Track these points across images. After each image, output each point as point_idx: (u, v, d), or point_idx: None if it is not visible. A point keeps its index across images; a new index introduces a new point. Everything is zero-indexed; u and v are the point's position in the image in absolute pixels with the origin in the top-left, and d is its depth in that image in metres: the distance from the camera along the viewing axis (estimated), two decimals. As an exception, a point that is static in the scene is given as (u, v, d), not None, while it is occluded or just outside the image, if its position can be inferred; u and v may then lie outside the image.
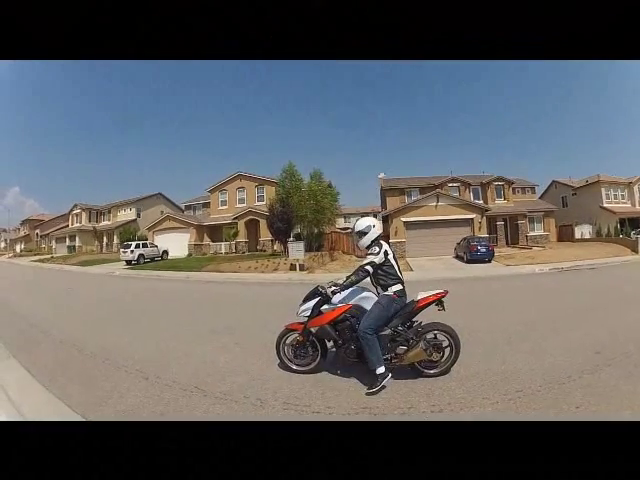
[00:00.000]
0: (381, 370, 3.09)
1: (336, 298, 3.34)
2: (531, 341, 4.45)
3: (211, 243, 27.25)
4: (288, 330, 3.63)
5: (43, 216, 48.00)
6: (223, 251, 25.94)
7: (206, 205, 30.41)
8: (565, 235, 28.54)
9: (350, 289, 3.33)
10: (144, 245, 23.88)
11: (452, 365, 3.39)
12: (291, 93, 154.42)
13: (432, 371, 3.36)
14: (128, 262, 21.94)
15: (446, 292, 3.43)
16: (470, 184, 27.18)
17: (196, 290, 11.57)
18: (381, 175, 28.84)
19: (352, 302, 3.37)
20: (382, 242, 3.40)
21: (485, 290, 9.84)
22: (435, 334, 3.38)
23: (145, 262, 22.51)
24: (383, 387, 3.08)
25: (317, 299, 3.40)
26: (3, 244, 62.86)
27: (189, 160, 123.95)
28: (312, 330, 3.44)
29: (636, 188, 31.82)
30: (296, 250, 15.79)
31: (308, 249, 21.07)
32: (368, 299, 3.38)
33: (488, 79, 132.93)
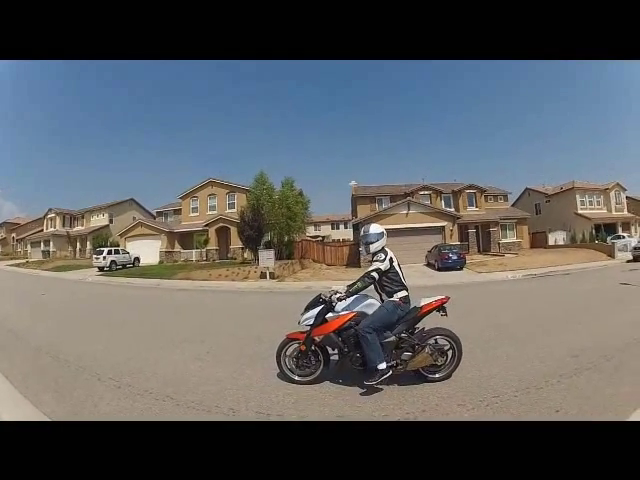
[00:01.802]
0: (382, 366, 3.16)
1: (339, 306, 3.35)
2: (505, 346, 4.46)
3: (182, 250, 26.87)
4: (289, 340, 3.56)
5: (19, 220, 47.05)
6: (194, 258, 25.60)
7: (178, 212, 29.98)
8: (538, 242, 28.82)
9: (352, 297, 3.36)
10: (116, 252, 23.73)
11: (455, 369, 3.46)
12: (261, 99, 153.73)
13: (436, 375, 3.43)
14: (100, 268, 21.86)
15: (447, 298, 3.51)
16: (442, 192, 27.26)
17: (167, 298, 11.52)
18: (352, 183, 28.79)
19: (356, 309, 3.38)
20: (387, 249, 3.47)
21: (456, 297, 9.70)
22: (436, 339, 3.44)
23: (117, 269, 22.38)
24: (381, 381, 3.18)
25: (320, 307, 3.38)
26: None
27: (163, 165, 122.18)
28: (316, 339, 3.41)
29: (612, 194, 32.28)
30: (266, 258, 15.71)
31: (278, 257, 20.94)
32: (372, 306, 3.41)
33: (465, 81, 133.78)
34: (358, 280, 3.29)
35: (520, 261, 18.21)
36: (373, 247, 3.48)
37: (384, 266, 3.31)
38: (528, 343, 4.57)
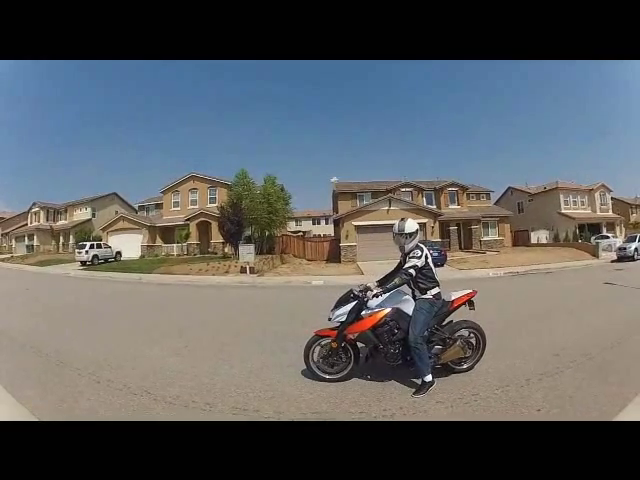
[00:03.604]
0: (429, 378, 3.13)
1: (373, 302, 3.27)
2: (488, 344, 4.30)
3: (163, 245, 26.76)
4: (318, 337, 3.47)
5: (4, 214, 46.50)
6: (175, 253, 25.50)
7: (159, 206, 29.88)
8: (521, 240, 29.02)
9: (386, 294, 3.27)
10: (98, 246, 23.59)
11: (479, 360, 3.54)
12: (245, 93, 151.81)
13: (464, 366, 3.51)
14: (83, 263, 21.79)
15: (475, 292, 3.54)
16: (423, 189, 27.38)
17: (147, 292, 11.53)
18: (334, 179, 28.87)
19: (392, 305, 3.32)
20: (422, 245, 3.38)
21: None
22: (468, 331, 3.51)
23: (99, 263, 22.29)
24: (427, 392, 3.13)
25: (354, 303, 3.29)
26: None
27: (146, 160, 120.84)
28: (351, 336, 3.36)
29: (597, 195, 32.58)
30: (247, 253, 15.66)
31: (259, 252, 20.94)
32: (407, 302, 3.37)
33: (453, 79, 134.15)
34: (396, 277, 3.21)
35: (502, 259, 18.29)
36: (410, 243, 3.38)
37: (420, 263, 3.22)
38: (506, 341, 4.47)
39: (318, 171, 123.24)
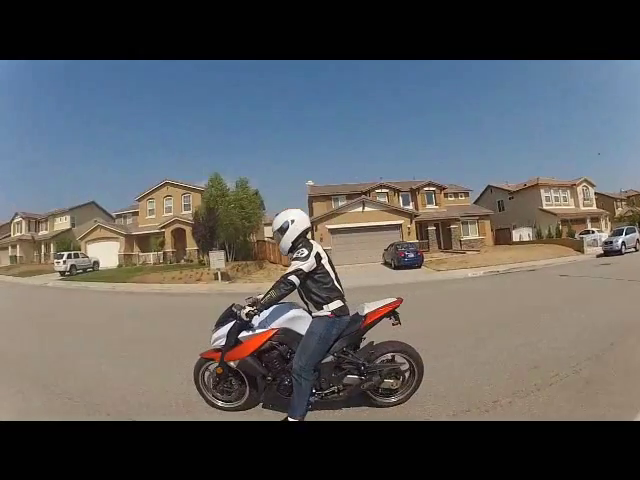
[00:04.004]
0: (296, 419, 2.50)
1: (256, 320, 2.58)
2: (450, 356, 3.83)
3: (140, 253, 26.76)
4: (204, 360, 2.88)
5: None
6: (151, 261, 25.45)
7: (136, 214, 29.86)
8: (502, 238, 28.91)
9: (272, 308, 2.62)
10: (75, 255, 23.71)
11: (413, 392, 2.82)
12: (218, 94, 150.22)
13: (391, 400, 2.80)
14: (62, 273, 21.95)
15: (400, 300, 2.79)
16: (399, 190, 27.33)
17: (114, 303, 11.55)
18: (309, 182, 28.77)
19: (278, 325, 2.64)
20: (312, 242, 2.61)
21: (409, 297, 9.35)
22: (392, 356, 2.78)
23: (77, 273, 22.41)
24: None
25: (231, 323, 2.61)
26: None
27: (123, 166, 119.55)
28: (232, 364, 2.70)
29: (579, 189, 32.46)
30: (217, 259, 15.46)
31: (234, 258, 20.84)
32: (299, 319, 2.67)
33: (427, 78, 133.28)
34: (272, 287, 2.46)
35: (482, 258, 18.12)
36: (283, 241, 2.63)
37: (307, 266, 2.44)
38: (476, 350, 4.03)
39: (295, 174, 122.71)
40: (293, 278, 2.42)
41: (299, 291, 2.63)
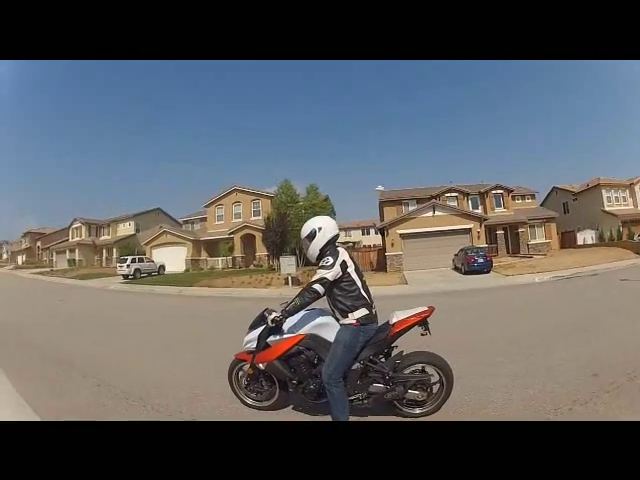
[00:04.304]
0: (343, 418, 2.55)
1: (285, 325, 2.67)
2: (515, 363, 3.92)
3: (208, 258, 27.19)
4: (238, 361, 3.04)
5: (44, 229, 48.49)
6: (220, 266, 25.84)
7: (204, 220, 30.46)
8: (567, 241, 28.17)
9: (301, 314, 2.69)
10: (140, 260, 24.20)
11: (441, 405, 2.76)
12: (285, 106, 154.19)
13: (416, 411, 2.76)
14: (125, 276, 22.33)
15: (432, 309, 2.71)
16: (469, 193, 26.91)
17: (179, 305, 11.82)
18: (379, 187, 28.68)
19: (305, 331, 2.70)
20: (339, 249, 2.60)
21: (477, 303, 9.47)
22: (422, 367, 2.74)
23: (142, 276, 22.80)
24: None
25: (263, 327, 2.71)
26: (5, 255, 63.72)
27: (190, 174, 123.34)
28: (260, 367, 2.83)
29: (637, 188, 31.21)
30: (288, 264, 15.57)
31: (305, 263, 21.02)
32: (326, 326, 2.70)
33: (495, 79, 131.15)
34: (297, 295, 2.53)
35: (548, 262, 17.67)
36: (310, 250, 2.66)
37: (332, 274, 2.45)
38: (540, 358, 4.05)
39: (365, 180, 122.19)
40: (317, 287, 2.45)
41: (327, 300, 2.65)
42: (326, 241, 2.63)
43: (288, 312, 2.53)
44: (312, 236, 2.64)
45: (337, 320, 2.67)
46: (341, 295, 2.56)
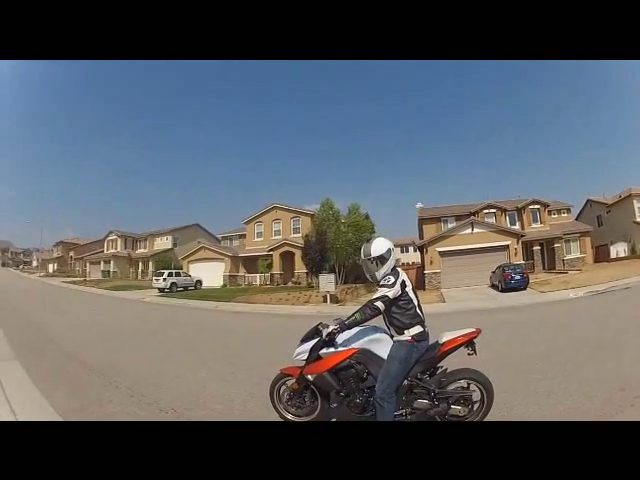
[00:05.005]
0: None
1: (339, 339, 2.76)
2: (549, 379, 4.08)
3: (246, 274, 27.66)
4: (283, 375, 3.10)
5: (78, 240, 49.82)
6: (258, 282, 26.29)
7: (242, 236, 30.93)
8: (601, 255, 27.96)
9: (355, 329, 2.76)
10: (177, 274, 24.48)
11: (482, 419, 2.81)
12: (328, 131, 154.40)
13: None
14: (161, 290, 22.48)
15: (478, 331, 2.82)
16: (506, 209, 26.95)
17: (209, 318, 12.05)
18: (419, 205, 28.95)
19: (358, 345, 2.76)
20: (398, 270, 2.74)
21: (511, 321, 9.59)
22: (468, 383, 2.80)
23: (178, 290, 22.96)
24: None
25: (316, 340, 2.79)
26: (35, 262, 65.61)
27: (226, 192, 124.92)
28: (309, 378, 2.85)
29: (666, 198, 30.72)
30: (327, 282, 15.87)
31: (344, 281, 21.40)
32: (379, 342, 2.79)
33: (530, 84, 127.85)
34: (358, 310, 2.61)
35: (582, 277, 17.72)
36: (384, 269, 2.74)
37: (393, 293, 2.58)
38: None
39: (404, 198, 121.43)
40: (379, 304, 2.57)
41: (383, 316, 2.75)
42: (395, 262, 2.81)
43: (346, 326, 2.63)
44: (386, 258, 2.76)
45: (391, 337, 2.80)
46: (398, 313, 2.69)
